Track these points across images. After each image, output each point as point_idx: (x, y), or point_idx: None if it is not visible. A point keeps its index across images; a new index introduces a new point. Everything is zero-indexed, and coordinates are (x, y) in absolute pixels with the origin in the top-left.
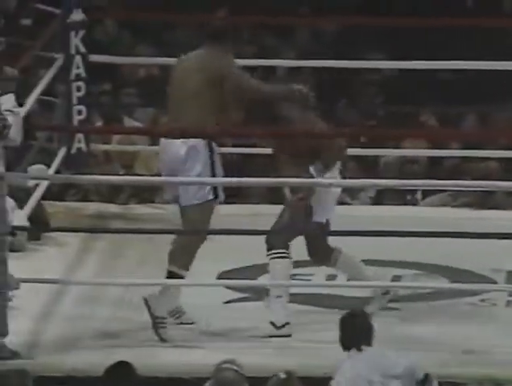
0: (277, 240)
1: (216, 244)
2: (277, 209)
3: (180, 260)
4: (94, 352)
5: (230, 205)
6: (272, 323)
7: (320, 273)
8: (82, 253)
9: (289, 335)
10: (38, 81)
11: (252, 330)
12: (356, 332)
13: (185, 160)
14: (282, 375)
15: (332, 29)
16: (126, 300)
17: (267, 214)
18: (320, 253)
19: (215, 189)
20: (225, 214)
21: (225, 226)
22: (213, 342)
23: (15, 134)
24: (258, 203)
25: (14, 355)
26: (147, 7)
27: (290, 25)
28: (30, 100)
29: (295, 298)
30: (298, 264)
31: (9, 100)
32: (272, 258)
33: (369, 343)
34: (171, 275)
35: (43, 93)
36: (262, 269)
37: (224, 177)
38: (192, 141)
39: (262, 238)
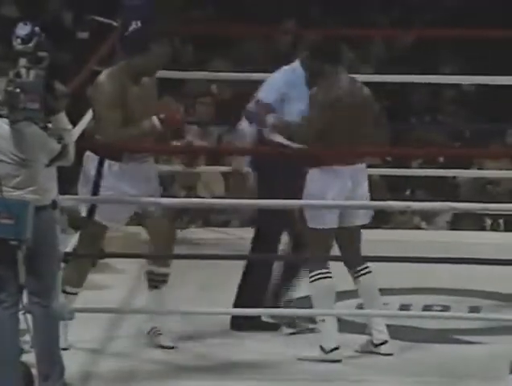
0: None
1: None
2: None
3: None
4: None
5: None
6: (321, 347)
7: (394, 303)
8: (139, 281)
9: (338, 361)
10: None
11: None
12: None
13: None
14: None
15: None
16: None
17: None
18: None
19: (90, 209)
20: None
21: None
22: None
23: (71, 153)
24: None
25: None
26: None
27: (365, 37)
28: (85, 119)
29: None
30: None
31: (61, 118)
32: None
33: None
34: None
35: None
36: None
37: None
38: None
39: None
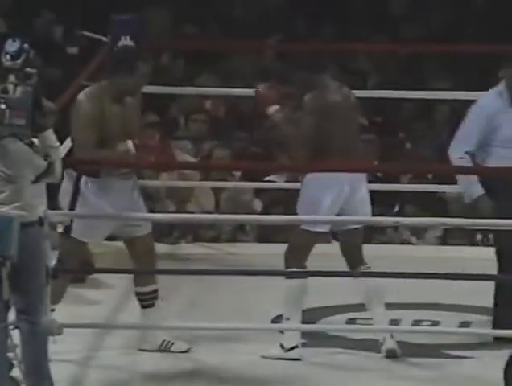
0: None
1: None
2: None
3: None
4: None
5: None
6: (281, 346)
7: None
8: (128, 296)
9: (297, 359)
10: None
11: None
12: None
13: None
14: None
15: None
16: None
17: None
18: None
19: (67, 225)
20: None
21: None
22: None
23: (58, 170)
24: None
25: None
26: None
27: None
28: None
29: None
30: (360, 307)
31: (48, 135)
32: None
33: None
34: None
35: None
36: (320, 313)
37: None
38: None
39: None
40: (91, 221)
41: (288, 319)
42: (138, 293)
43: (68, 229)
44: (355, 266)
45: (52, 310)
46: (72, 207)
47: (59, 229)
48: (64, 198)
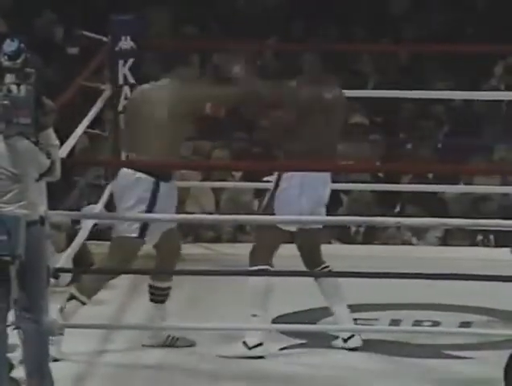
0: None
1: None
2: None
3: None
4: None
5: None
6: (244, 343)
7: (384, 318)
8: (130, 295)
9: (261, 357)
10: (83, 114)
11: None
12: None
13: (123, 191)
14: None
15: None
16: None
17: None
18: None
19: (143, 228)
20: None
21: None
22: None
23: (58, 169)
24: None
25: None
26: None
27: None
28: (76, 135)
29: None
30: (361, 307)
31: (49, 134)
32: None
33: None
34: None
35: (90, 126)
36: (320, 314)
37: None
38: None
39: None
40: (157, 224)
41: (255, 316)
42: (154, 288)
43: (142, 233)
44: (314, 266)
45: (84, 304)
46: (149, 210)
47: (134, 234)
48: (122, 201)
